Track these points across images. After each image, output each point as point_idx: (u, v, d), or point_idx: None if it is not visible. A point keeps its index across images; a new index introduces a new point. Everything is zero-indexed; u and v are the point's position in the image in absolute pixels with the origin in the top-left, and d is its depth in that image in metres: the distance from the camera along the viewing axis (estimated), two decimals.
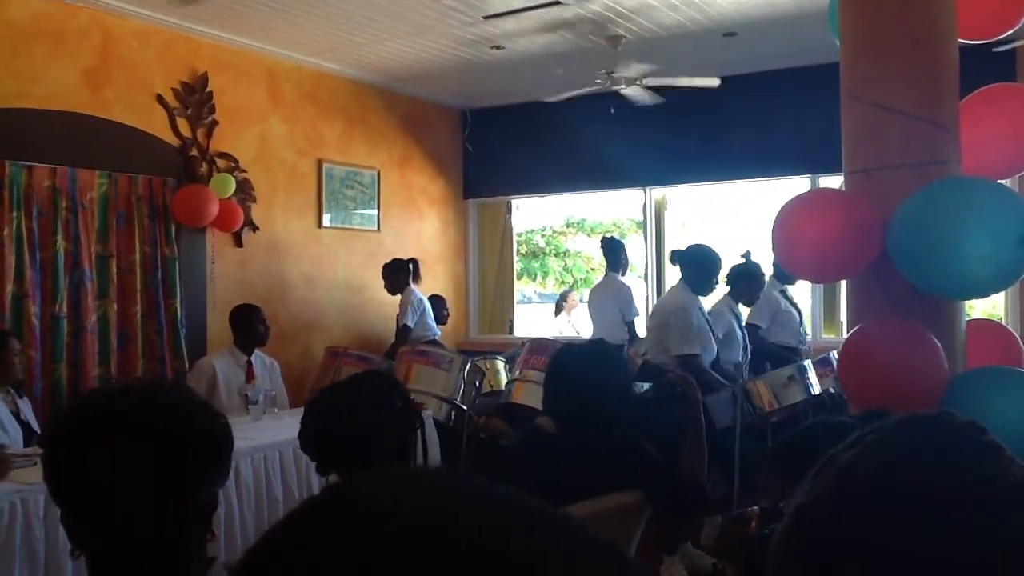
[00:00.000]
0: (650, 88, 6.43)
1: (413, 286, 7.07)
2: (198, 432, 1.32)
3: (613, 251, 6.84)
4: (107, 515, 1.26)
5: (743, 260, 5.98)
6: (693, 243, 5.58)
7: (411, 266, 7.13)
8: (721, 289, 5.76)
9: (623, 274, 6.87)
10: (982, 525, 0.70)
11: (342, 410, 2.08)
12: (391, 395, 2.12)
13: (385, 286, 7.12)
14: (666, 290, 7.11)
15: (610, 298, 6.70)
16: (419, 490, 0.49)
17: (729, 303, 5.82)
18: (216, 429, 1.35)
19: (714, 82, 6.28)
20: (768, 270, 6.38)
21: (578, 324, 9.42)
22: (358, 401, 2.08)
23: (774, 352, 6.02)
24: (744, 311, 6.08)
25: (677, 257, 5.52)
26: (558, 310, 9.79)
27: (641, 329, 6.60)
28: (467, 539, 0.45)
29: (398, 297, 7.07)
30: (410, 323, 6.84)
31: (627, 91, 6.45)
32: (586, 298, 10.64)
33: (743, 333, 5.83)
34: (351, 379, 2.26)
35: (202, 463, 1.33)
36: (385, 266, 7.14)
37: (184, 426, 1.31)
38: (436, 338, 6.93)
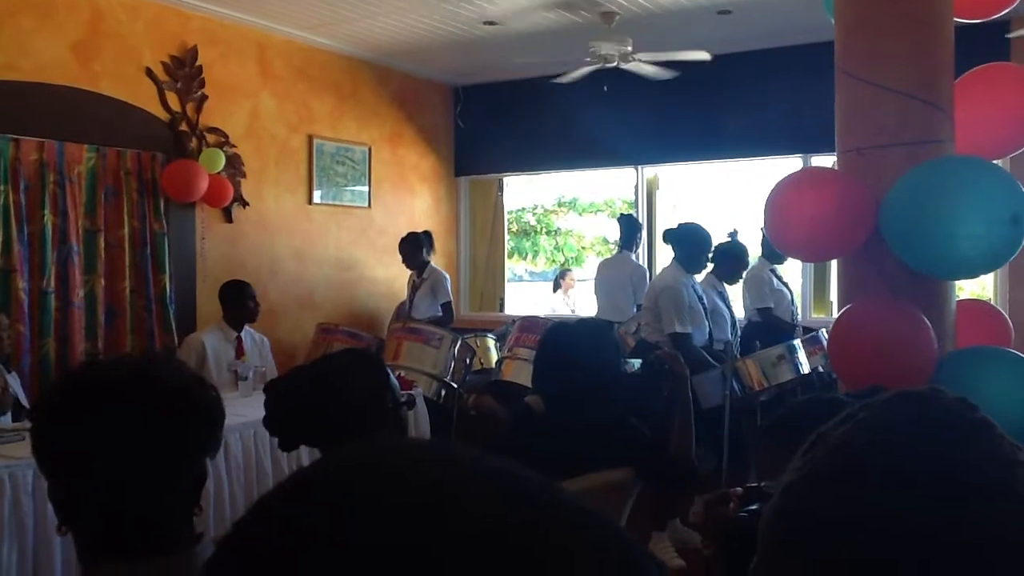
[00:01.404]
0: (655, 64, 6.38)
1: (434, 263, 7.01)
2: (191, 404, 1.32)
3: (630, 229, 6.84)
4: (97, 488, 1.26)
5: (729, 239, 5.98)
6: (684, 221, 5.58)
7: (426, 238, 6.98)
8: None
9: (635, 251, 6.89)
10: (973, 503, 0.69)
11: (299, 388, 2.06)
12: (355, 373, 2.09)
13: (405, 261, 6.95)
14: (658, 269, 7.13)
15: (625, 277, 6.70)
16: (413, 463, 0.48)
17: (713, 281, 5.83)
18: (208, 401, 1.35)
19: (704, 56, 6.23)
20: (756, 249, 6.39)
21: (574, 303, 9.43)
22: (317, 378, 2.07)
23: (784, 329, 6.06)
24: (729, 290, 6.09)
25: (669, 236, 5.52)
26: (556, 287, 9.80)
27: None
28: (465, 513, 0.44)
29: (394, 274, 7.03)
30: (451, 298, 6.86)
31: (639, 67, 6.39)
32: (584, 277, 10.64)
33: (730, 311, 5.85)
34: (317, 359, 2.25)
35: (195, 434, 1.32)
36: (404, 240, 6.95)
37: (177, 398, 1.31)
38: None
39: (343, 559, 0.42)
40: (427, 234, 7.04)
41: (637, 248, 6.96)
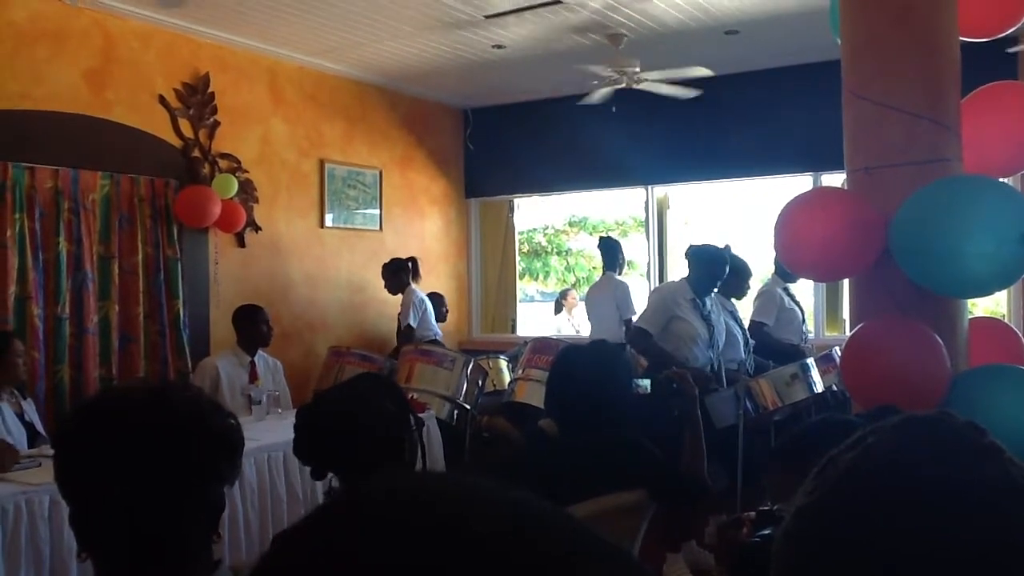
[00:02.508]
0: (663, 82, 6.41)
1: (413, 285, 7.03)
2: (211, 430, 1.33)
3: (610, 251, 6.85)
4: (117, 513, 1.27)
5: None
6: (706, 243, 5.51)
7: (410, 265, 7.10)
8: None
9: (619, 273, 6.88)
10: (982, 528, 0.70)
11: (332, 415, 2.10)
12: (381, 397, 2.13)
13: (385, 286, 7.09)
14: None
15: (608, 296, 6.71)
16: (429, 490, 0.50)
17: (722, 300, 5.83)
18: (226, 428, 1.36)
19: (706, 72, 6.23)
20: (770, 268, 6.38)
21: (578, 322, 9.44)
22: (347, 405, 2.10)
23: (779, 350, 6.02)
24: (737, 305, 6.09)
25: (686, 253, 5.48)
26: (558, 308, 9.81)
27: None
28: (475, 536, 0.45)
29: (399, 297, 7.07)
30: (413, 323, 6.80)
31: (658, 87, 6.42)
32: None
33: (742, 329, 5.84)
34: (341, 384, 2.28)
35: (213, 461, 1.34)
36: (385, 266, 7.10)
37: (198, 424, 1.32)
38: (438, 338, 6.92)
39: None
40: (412, 260, 7.14)
41: (622, 268, 6.95)
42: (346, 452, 2.04)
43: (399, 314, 6.98)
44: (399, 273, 7.02)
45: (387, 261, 7.14)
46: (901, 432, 0.78)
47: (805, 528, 0.77)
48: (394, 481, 0.51)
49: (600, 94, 6.50)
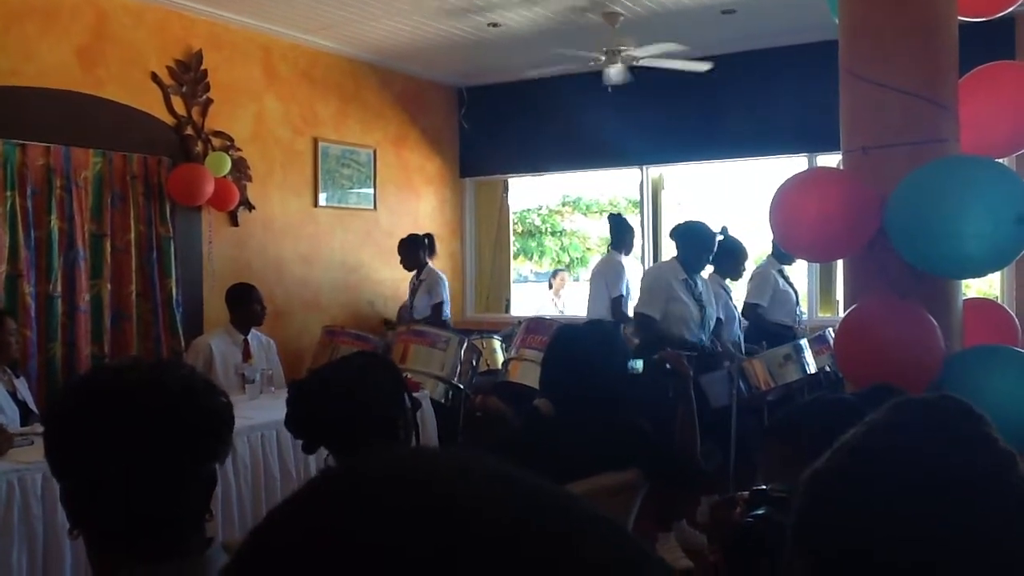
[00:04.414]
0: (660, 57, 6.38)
1: (431, 263, 6.99)
2: (203, 408, 1.33)
3: (615, 228, 6.83)
4: (109, 491, 1.27)
5: (721, 237, 5.92)
6: (689, 219, 5.51)
7: (427, 241, 7.00)
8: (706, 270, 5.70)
9: (626, 253, 6.86)
10: (971, 510, 0.70)
11: (326, 389, 2.10)
12: (378, 375, 2.13)
13: (402, 262, 6.97)
14: None
15: (599, 274, 6.72)
16: (427, 472, 0.49)
17: (719, 280, 5.82)
18: (218, 406, 1.36)
19: (674, 46, 6.20)
20: (767, 249, 6.39)
21: (564, 303, 9.47)
22: (343, 380, 2.10)
23: (773, 332, 6.03)
24: (732, 287, 6.09)
25: (672, 233, 5.46)
26: (551, 286, 9.90)
27: (628, 309, 6.57)
28: (475, 522, 0.45)
29: (399, 275, 7.03)
30: (446, 299, 6.79)
31: (672, 63, 6.39)
32: (579, 279, 10.68)
33: (735, 311, 5.85)
34: (338, 360, 2.28)
35: (205, 439, 1.33)
36: (403, 241, 6.97)
37: (190, 402, 1.31)
38: (448, 319, 6.91)
39: (362, 560, 0.43)
40: (428, 236, 7.06)
41: (628, 248, 6.91)
42: (343, 427, 2.04)
43: (415, 294, 6.85)
44: (418, 249, 6.89)
45: (404, 237, 7.01)
46: (896, 415, 0.78)
47: (803, 504, 0.77)
48: (388, 457, 0.50)
49: (615, 71, 6.42)
